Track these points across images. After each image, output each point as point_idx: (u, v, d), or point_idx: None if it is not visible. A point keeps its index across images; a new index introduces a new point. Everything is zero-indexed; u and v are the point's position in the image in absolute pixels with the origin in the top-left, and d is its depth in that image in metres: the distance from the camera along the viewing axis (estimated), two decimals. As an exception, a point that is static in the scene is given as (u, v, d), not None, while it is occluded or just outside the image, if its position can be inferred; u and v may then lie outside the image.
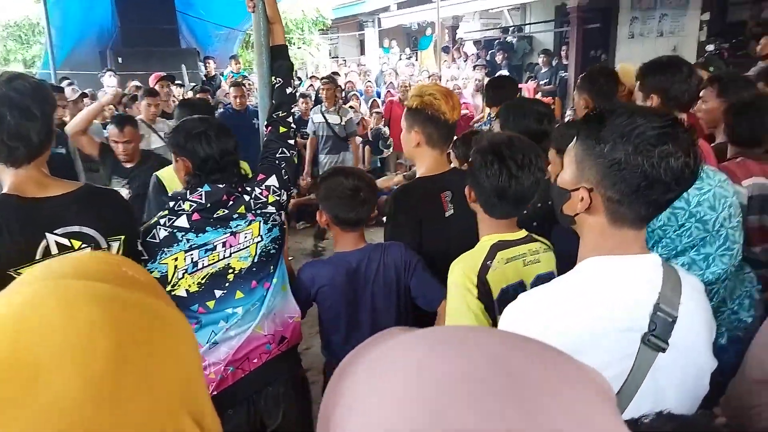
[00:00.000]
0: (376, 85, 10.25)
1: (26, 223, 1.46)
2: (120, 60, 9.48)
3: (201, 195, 1.71)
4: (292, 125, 2.02)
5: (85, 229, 1.55)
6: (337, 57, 15.59)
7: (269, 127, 1.99)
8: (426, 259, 1.89)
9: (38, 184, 1.53)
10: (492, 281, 1.51)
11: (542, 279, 1.55)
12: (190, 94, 7.16)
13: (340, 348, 1.91)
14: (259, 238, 1.79)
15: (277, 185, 1.85)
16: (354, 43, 17.91)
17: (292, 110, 2.10)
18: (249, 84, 8.76)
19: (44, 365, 0.40)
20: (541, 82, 9.17)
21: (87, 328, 0.42)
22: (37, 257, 1.46)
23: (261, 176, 1.85)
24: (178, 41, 10.67)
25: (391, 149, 7.49)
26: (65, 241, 1.51)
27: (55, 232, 1.49)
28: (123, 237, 1.63)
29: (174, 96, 6.39)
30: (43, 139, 1.52)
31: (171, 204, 1.72)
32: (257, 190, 1.81)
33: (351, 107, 7.16)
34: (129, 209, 1.78)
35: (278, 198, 1.85)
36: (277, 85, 2.04)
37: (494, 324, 1.51)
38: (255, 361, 1.80)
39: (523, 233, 1.61)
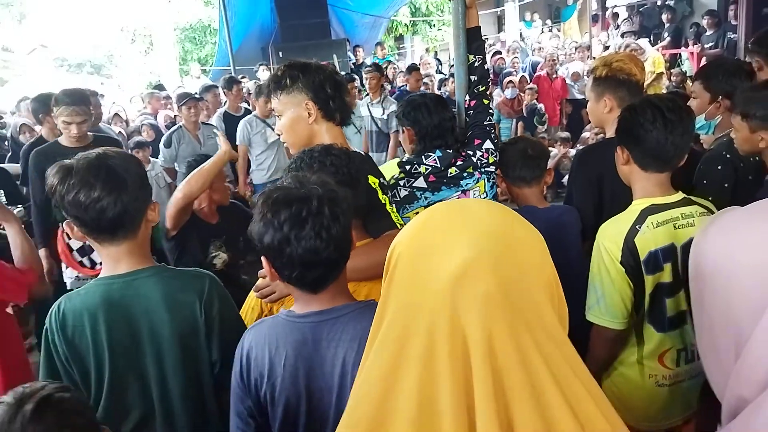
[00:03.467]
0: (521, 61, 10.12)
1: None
2: (280, 54, 10.28)
3: (435, 159, 2.04)
4: (490, 98, 2.28)
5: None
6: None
7: (473, 101, 2.25)
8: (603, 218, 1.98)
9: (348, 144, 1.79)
10: (640, 244, 1.57)
11: (686, 246, 1.58)
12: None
13: None
14: (485, 195, 2.09)
15: (492, 148, 2.14)
16: (491, 20, 17.63)
17: (489, 84, 2.36)
18: (394, 69, 9.13)
19: (477, 213, 0.69)
20: (706, 46, 8.46)
21: (497, 212, 0.70)
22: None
23: (477, 141, 2.14)
24: (329, 33, 11.29)
25: (546, 125, 7.42)
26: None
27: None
28: None
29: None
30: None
31: (407, 167, 2.06)
32: (479, 153, 2.10)
33: (510, 82, 7.19)
34: None
35: (496, 159, 2.13)
36: (478, 63, 2.28)
37: (639, 287, 1.61)
38: None
39: (679, 196, 1.64)
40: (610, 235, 1.62)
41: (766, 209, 0.58)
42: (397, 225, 1.60)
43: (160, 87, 7.54)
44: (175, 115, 6.19)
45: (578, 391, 0.59)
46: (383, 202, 1.61)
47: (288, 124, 1.71)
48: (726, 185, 2.02)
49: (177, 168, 4.87)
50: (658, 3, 11.68)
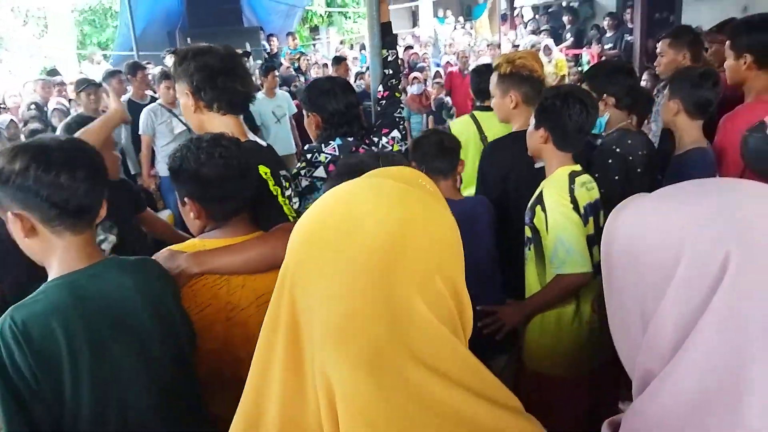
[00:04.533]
0: (432, 56, 10.30)
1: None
2: (188, 40, 9.84)
3: (334, 148, 2.00)
4: (402, 91, 2.30)
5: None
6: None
7: (387, 92, 2.27)
8: (513, 210, 2.09)
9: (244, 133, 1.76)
10: (579, 199, 1.82)
11: (597, 202, 1.91)
12: (257, 72, 7.45)
13: None
14: None
15: (400, 137, 2.16)
16: (406, 15, 17.83)
17: (400, 78, 2.41)
18: (306, 61, 9.00)
19: (365, 222, 0.59)
20: (606, 47, 9.00)
21: (387, 202, 0.62)
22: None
23: (385, 129, 2.15)
24: (242, 20, 10.97)
25: (453, 118, 7.60)
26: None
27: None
28: None
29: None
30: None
31: (308, 156, 2.01)
32: (384, 140, 2.11)
33: (415, 78, 7.31)
34: None
35: (401, 148, 2.16)
36: (392, 57, 2.31)
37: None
38: None
39: (579, 166, 1.90)
40: (556, 193, 1.81)
41: (672, 194, 0.62)
42: (289, 218, 1.58)
43: (53, 72, 6.97)
44: (70, 100, 5.78)
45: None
46: (274, 193, 1.58)
47: (183, 113, 1.73)
48: (616, 177, 2.15)
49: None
50: (563, 4, 12.30)
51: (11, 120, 5.13)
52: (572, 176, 1.85)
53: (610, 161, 2.16)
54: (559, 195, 1.81)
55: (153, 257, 1.42)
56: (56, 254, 1.20)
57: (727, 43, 2.34)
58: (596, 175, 2.16)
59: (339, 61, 6.69)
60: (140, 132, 4.63)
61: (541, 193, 1.85)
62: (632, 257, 0.61)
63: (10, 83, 7.50)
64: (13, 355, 1.08)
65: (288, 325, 0.60)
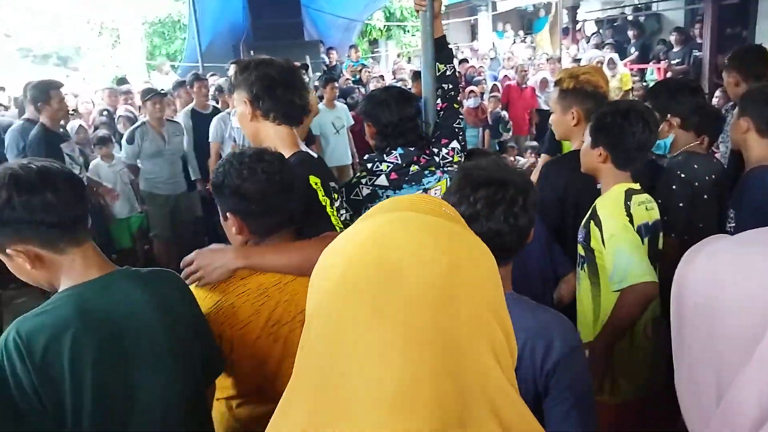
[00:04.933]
0: (490, 70, 10.20)
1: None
2: (252, 53, 10.12)
3: (396, 157, 2.02)
4: (461, 103, 2.31)
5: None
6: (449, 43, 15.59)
7: (445, 104, 2.25)
8: (570, 232, 2.00)
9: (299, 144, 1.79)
10: (634, 217, 1.72)
11: (656, 224, 1.83)
12: (316, 83, 7.59)
13: None
14: None
15: (459, 148, 2.14)
16: (465, 29, 17.77)
17: (459, 90, 2.41)
18: (367, 73, 9.10)
19: (403, 268, 0.50)
20: (673, 62, 8.66)
21: (425, 242, 0.52)
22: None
23: (444, 140, 2.13)
24: (303, 34, 11.19)
25: (510, 133, 7.48)
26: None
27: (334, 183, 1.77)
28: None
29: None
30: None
31: (369, 165, 2.04)
32: (444, 151, 2.10)
33: (471, 92, 7.24)
34: None
35: (461, 159, 2.13)
36: (450, 72, 2.29)
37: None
38: None
39: (638, 185, 1.81)
40: (611, 206, 1.74)
41: (756, 242, 0.55)
42: (336, 228, 1.59)
43: (122, 81, 7.30)
44: (139, 107, 6.04)
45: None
46: (323, 204, 1.60)
47: (239, 121, 1.78)
48: (681, 204, 2.04)
49: (140, 165, 4.78)
50: (629, 18, 11.94)
51: (80, 125, 5.42)
52: (629, 193, 1.76)
53: (674, 187, 2.05)
54: (614, 209, 1.73)
55: (198, 251, 1.43)
56: (63, 271, 1.18)
57: None
58: (659, 201, 2.05)
59: (417, 76, 6.60)
60: (210, 139, 4.83)
61: (594, 208, 1.77)
62: (709, 315, 0.54)
63: (84, 91, 7.91)
64: (15, 369, 1.06)
65: (316, 385, 0.51)
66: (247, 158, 1.38)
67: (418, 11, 2.28)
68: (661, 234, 1.87)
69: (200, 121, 5.08)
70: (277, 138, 1.75)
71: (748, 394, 0.48)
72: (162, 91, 5.07)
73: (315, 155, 1.86)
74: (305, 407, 0.51)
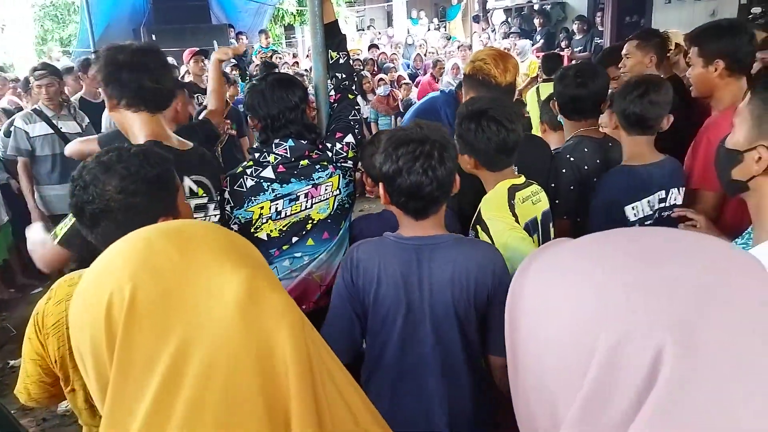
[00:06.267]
0: (404, 58, 10.19)
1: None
2: (153, 37, 9.58)
3: (286, 149, 1.86)
4: (357, 93, 2.15)
5: (205, 180, 1.76)
6: (365, 28, 15.48)
7: (339, 95, 2.11)
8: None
9: (167, 136, 1.71)
10: (520, 215, 1.66)
11: (546, 215, 1.79)
12: (228, 69, 7.26)
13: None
14: (337, 191, 1.93)
15: (354, 142, 1.99)
16: (381, 15, 17.72)
17: (355, 79, 2.27)
18: (279, 59, 8.83)
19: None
20: (576, 49, 8.98)
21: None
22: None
23: (339, 134, 1.98)
24: (209, 17, 10.73)
25: (423, 120, 7.48)
26: (194, 187, 1.72)
27: (190, 177, 1.70)
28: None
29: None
30: (172, 87, 1.71)
31: (256, 155, 1.88)
32: (338, 146, 1.95)
33: (381, 80, 7.17)
34: (221, 169, 2.01)
35: (355, 154, 1.99)
36: (343, 59, 2.14)
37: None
38: (303, 307, 1.89)
39: (522, 178, 1.74)
40: (497, 211, 1.64)
41: (592, 252, 0.46)
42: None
43: (55, 71, 6.63)
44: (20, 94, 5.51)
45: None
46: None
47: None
48: (572, 188, 2.04)
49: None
50: (535, 8, 12.29)
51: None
52: (512, 191, 1.68)
53: (564, 171, 2.04)
54: (498, 211, 1.64)
55: None
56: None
57: (693, 50, 2.19)
58: (552, 185, 2.04)
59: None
60: (103, 130, 4.40)
61: (479, 212, 1.68)
62: (538, 340, 0.46)
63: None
64: None
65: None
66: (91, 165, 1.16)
67: None
68: (551, 223, 1.83)
69: (90, 110, 4.66)
70: (137, 127, 1.66)
71: None
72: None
73: (189, 145, 1.79)
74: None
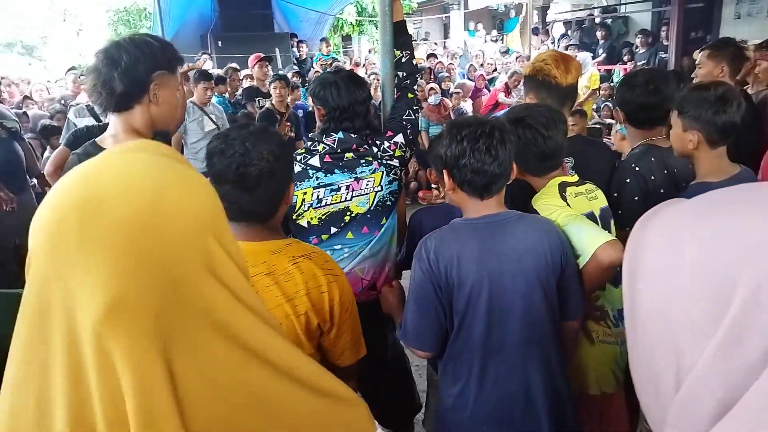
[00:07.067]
0: (460, 67, 10.21)
1: None
2: (219, 44, 9.96)
3: (334, 140, 1.93)
4: (418, 92, 2.19)
5: None
6: (426, 40, 15.57)
7: (399, 93, 2.16)
8: None
9: (116, 137, 1.68)
10: (574, 207, 1.67)
11: (605, 211, 1.80)
12: (289, 75, 7.49)
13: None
14: (379, 188, 1.97)
15: (404, 142, 2.03)
16: (438, 27, 17.78)
17: (417, 79, 2.30)
18: (338, 66, 9.01)
19: (105, 201, 0.51)
20: (639, 63, 8.79)
21: (137, 178, 0.54)
22: None
23: (389, 133, 2.03)
24: (273, 26, 11.06)
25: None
26: None
27: None
28: None
29: (269, 77, 6.73)
30: (126, 88, 1.59)
31: (308, 144, 1.97)
32: (386, 143, 1.99)
33: (432, 89, 7.22)
34: None
35: (403, 154, 2.03)
36: (405, 58, 2.20)
37: None
38: None
39: (576, 177, 1.79)
40: (547, 199, 1.69)
41: (721, 202, 0.47)
42: None
43: (72, 68, 7.01)
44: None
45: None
46: None
47: None
48: (635, 198, 2.01)
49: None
50: (596, 21, 12.09)
51: (23, 113, 5.20)
52: (563, 186, 1.71)
53: (628, 181, 2.01)
54: (549, 198, 1.67)
55: None
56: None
57: None
58: (615, 195, 2.02)
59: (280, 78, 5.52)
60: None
61: (531, 207, 1.71)
62: (665, 289, 0.47)
63: (45, 79, 7.64)
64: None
65: (58, 317, 0.52)
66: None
67: None
68: (612, 221, 1.83)
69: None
70: (112, 129, 1.69)
71: (710, 377, 0.42)
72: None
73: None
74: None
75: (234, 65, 7.27)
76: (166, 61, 1.66)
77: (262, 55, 6.64)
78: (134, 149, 0.59)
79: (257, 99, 6.04)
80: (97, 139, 1.75)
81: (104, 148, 1.64)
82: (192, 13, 10.60)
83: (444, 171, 1.50)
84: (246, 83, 6.64)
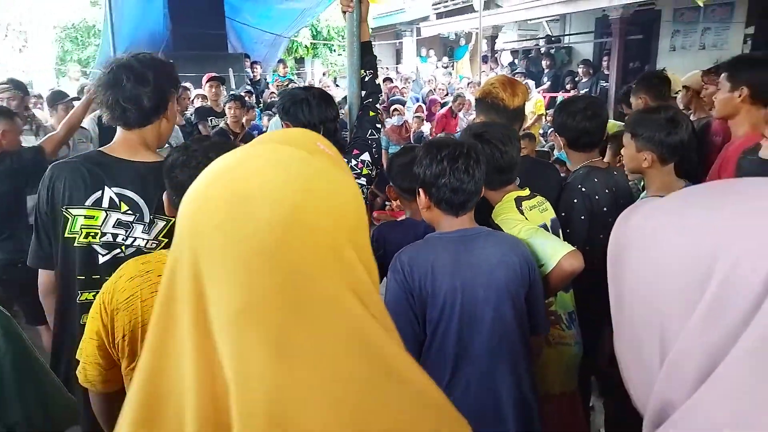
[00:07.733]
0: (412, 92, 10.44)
1: (94, 173, 1.65)
2: (171, 63, 9.82)
3: None
4: (380, 111, 2.25)
5: (136, 197, 1.67)
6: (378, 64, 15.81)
7: (360, 111, 2.21)
8: None
9: (131, 148, 1.70)
10: (530, 220, 1.79)
11: (554, 222, 1.96)
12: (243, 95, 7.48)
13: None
14: None
15: (370, 161, 2.07)
16: (390, 52, 18.11)
17: (379, 98, 2.37)
18: (292, 87, 9.06)
19: (251, 198, 0.51)
20: (582, 91, 9.21)
21: (283, 174, 0.53)
22: (87, 203, 1.65)
23: (355, 151, 2.07)
24: (226, 46, 10.99)
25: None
26: (116, 199, 1.65)
27: (112, 188, 1.65)
28: (172, 221, 1.72)
29: (223, 96, 6.70)
30: (154, 105, 1.66)
31: None
32: (353, 162, 2.02)
33: (395, 110, 7.37)
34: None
35: (370, 172, 2.08)
36: (368, 77, 2.26)
37: None
38: None
39: (527, 191, 1.91)
40: (507, 213, 1.80)
41: (698, 195, 0.54)
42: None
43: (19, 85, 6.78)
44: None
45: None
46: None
47: None
48: (582, 218, 2.12)
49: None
50: (542, 51, 12.63)
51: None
52: (518, 200, 1.83)
53: (575, 201, 2.13)
54: (508, 212, 1.78)
55: None
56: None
57: (723, 75, 2.37)
58: (562, 214, 2.14)
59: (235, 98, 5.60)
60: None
61: (491, 222, 1.82)
62: (650, 270, 0.52)
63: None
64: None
65: (193, 294, 0.52)
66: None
67: (344, 12, 2.25)
68: (560, 230, 1.96)
69: (108, 128, 4.80)
70: (116, 142, 1.73)
71: (692, 348, 0.48)
72: (71, 98, 4.79)
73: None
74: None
75: (186, 84, 7.20)
76: (176, 80, 1.75)
77: (215, 73, 6.62)
78: (286, 141, 0.59)
79: (209, 119, 6.01)
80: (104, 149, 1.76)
81: (114, 156, 1.70)
82: (143, 31, 10.41)
83: (421, 189, 1.57)
84: (198, 103, 6.59)
